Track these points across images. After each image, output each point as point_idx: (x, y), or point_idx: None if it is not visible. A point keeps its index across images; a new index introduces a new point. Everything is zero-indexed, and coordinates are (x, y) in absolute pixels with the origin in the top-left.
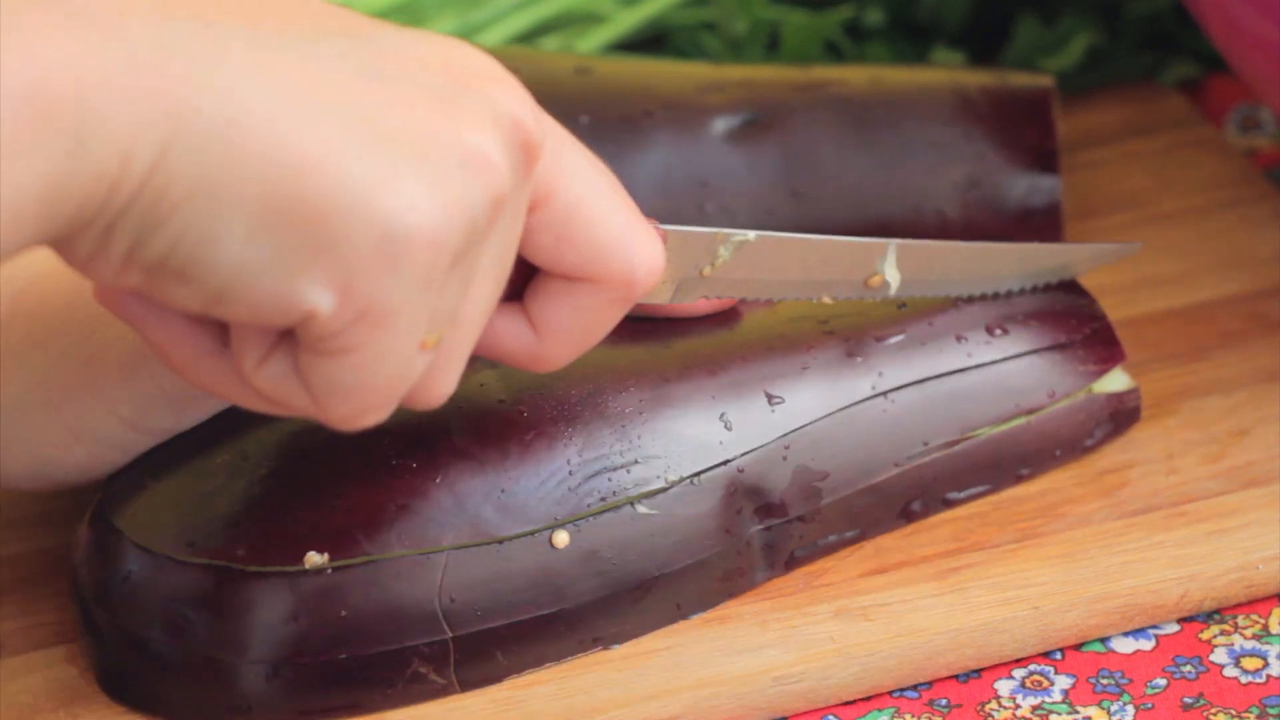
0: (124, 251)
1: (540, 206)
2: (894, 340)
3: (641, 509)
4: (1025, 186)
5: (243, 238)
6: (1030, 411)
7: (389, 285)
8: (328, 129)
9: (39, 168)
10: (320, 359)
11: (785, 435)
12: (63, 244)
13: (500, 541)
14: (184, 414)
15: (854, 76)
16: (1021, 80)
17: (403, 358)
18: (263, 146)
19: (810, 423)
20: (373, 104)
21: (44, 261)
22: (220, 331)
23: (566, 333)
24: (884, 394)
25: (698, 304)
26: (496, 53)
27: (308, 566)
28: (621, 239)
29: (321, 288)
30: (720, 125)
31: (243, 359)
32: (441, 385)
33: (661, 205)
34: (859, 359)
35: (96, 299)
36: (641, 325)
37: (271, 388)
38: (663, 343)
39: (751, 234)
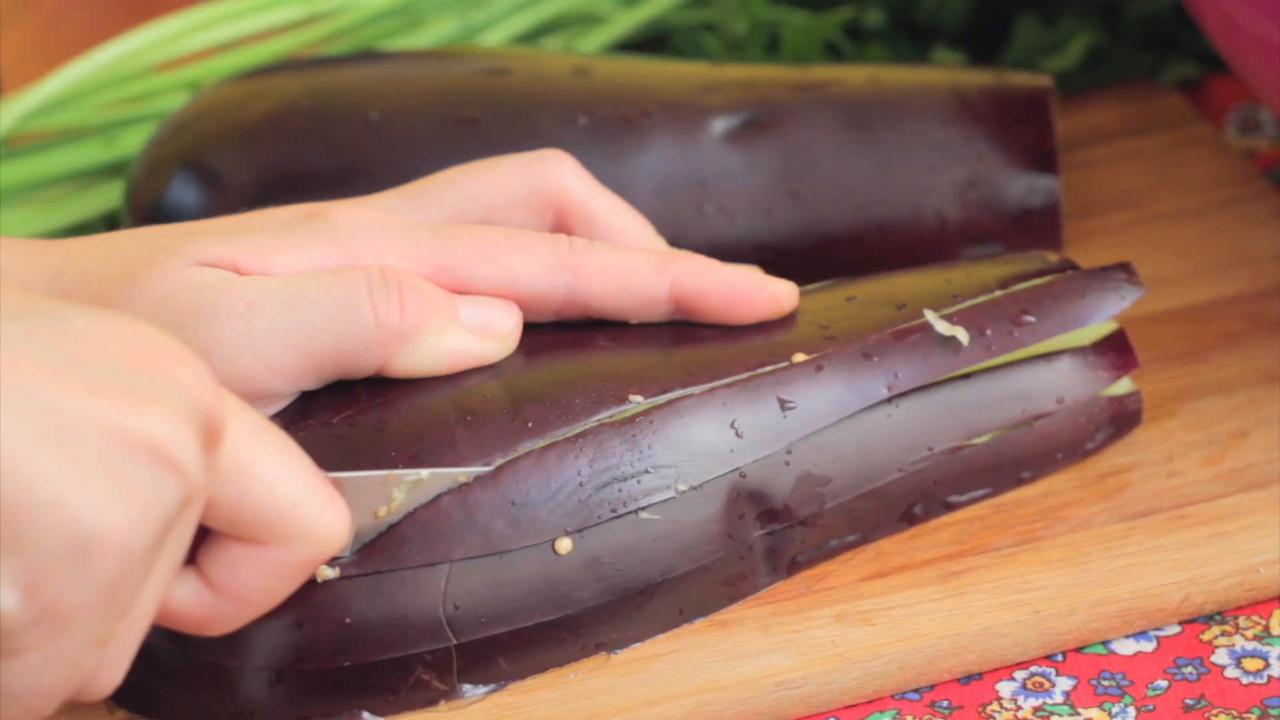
0: None
1: (217, 476)
2: (913, 338)
3: (645, 515)
4: (1024, 186)
5: None
6: (1037, 417)
7: (75, 586)
8: (17, 424)
9: None
10: None
11: (795, 442)
12: None
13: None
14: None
15: (853, 77)
16: (1020, 80)
17: (78, 657)
18: None
19: (821, 429)
20: (61, 396)
21: (91, 246)
22: None
23: (250, 593)
24: (894, 399)
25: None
26: (495, 52)
27: (319, 580)
28: (302, 499)
29: (8, 585)
30: (719, 126)
31: None
32: (111, 676)
33: (660, 206)
34: (875, 359)
35: None
36: (646, 334)
37: None
38: (666, 351)
39: (424, 472)
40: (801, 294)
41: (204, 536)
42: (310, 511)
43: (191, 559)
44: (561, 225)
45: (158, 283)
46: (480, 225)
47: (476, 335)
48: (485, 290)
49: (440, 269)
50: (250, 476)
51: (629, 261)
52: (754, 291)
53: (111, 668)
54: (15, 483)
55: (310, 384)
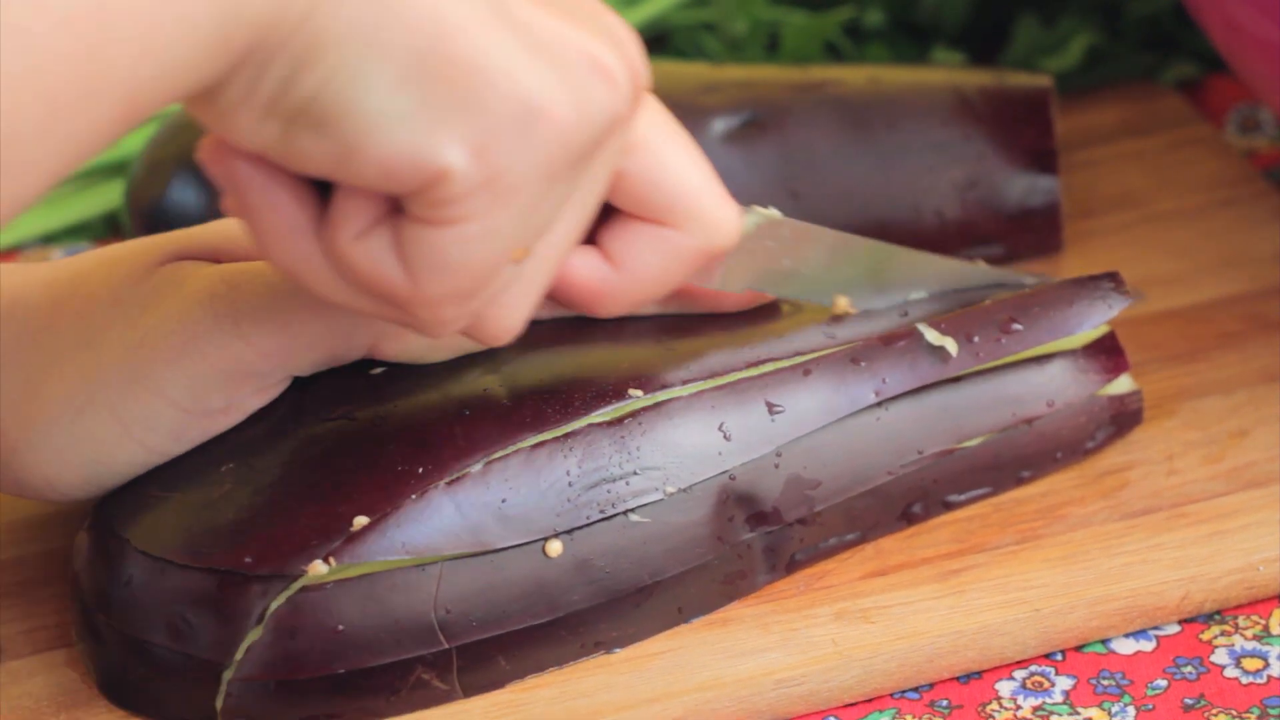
0: (271, 92)
1: (633, 151)
2: (901, 344)
3: (634, 517)
4: (1024, 187)
5: (389, 86)
6: (1027, 420)
7: (519, 157)
8: (482, 7)
9: None
10: (430, 229)
11: (783, 445)
12: (217, 88)
13: (495, 552)
14: (234, 392)
15: (852, 77)
16: (1020, 80)
17: (506, 243)
18: (422, 5)
19: (809, 433)
20: (526, 4)
21: (86, 261)
22: (319, 212)
23: (646, 271)
24: (882, 403)
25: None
26: None
27: (311, 574)
28: (705, 189)
29: (458, 146)
30: (719, 125)
31: (341, 231)
32: (514, 310)
33: None
34: (863, 364)
35: (202, 158)
36: (644, 328)
37: (366, 261)
38: (665, 346)
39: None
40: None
41: (608, 219)
42: (711, 201)
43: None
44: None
45: (144, 282)
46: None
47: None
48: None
49: None
50: (663, 156)
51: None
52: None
53: (518, 298)
54: (475, 50)
55: (302, 368)
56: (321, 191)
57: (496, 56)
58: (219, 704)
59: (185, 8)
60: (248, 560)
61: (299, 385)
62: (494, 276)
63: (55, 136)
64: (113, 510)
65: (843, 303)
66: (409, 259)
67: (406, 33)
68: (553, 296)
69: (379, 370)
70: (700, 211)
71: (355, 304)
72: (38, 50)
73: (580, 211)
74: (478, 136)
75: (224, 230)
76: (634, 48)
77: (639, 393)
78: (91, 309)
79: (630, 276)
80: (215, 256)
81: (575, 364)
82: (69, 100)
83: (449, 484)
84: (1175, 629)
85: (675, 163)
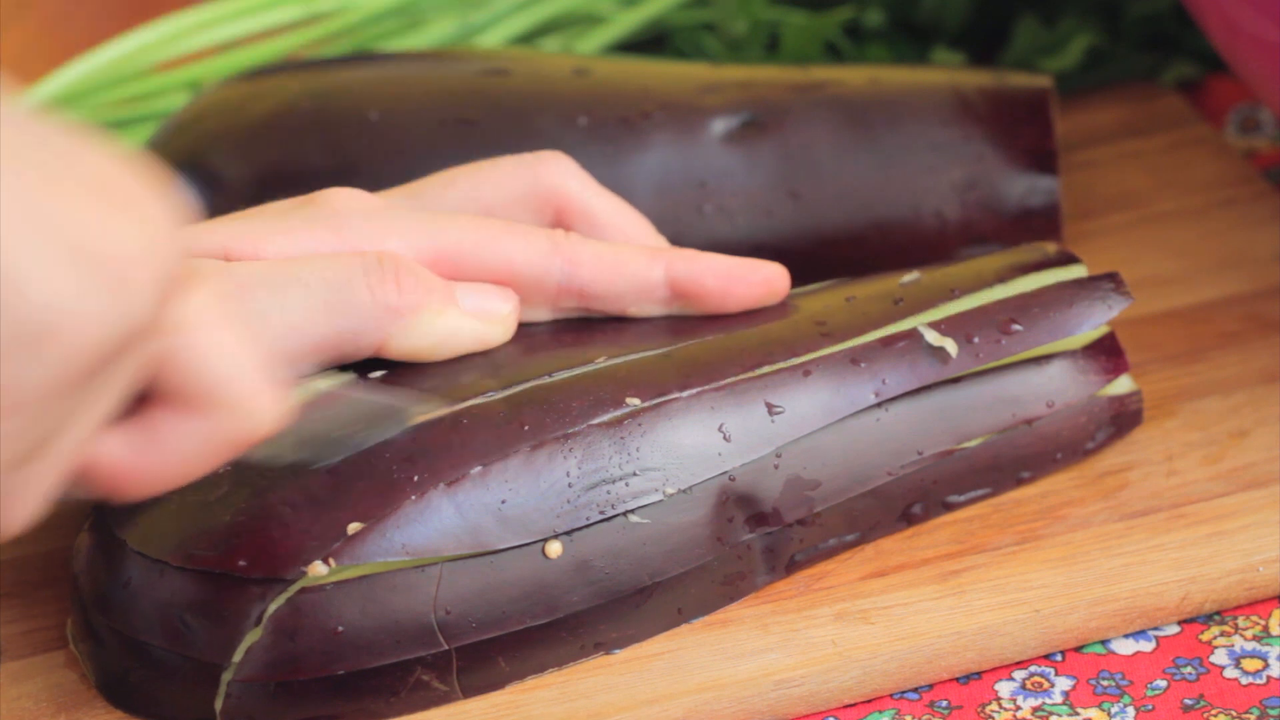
0: None
1: (174, 333)
2: (900, 345)
3: (634, 518)
4: (1024, 187)
5: None
6: (1027, 421)
7: (23, 375)
8: (9, 195)
9: None
10: None
11: (783, 446)
12: None
13: (494, 553)
14: None
15: (852, 77)
16: (1020, 81)
17: (4, 456)
18: None
19: (809, 433)
20: (47, 190)
21: None
22: None
23: (176, 457)
24: (882, 404)
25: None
26: (495, 53)
27: (311, 575)
28: (243, 378)
29: None
30: (719, 126)
31: None
32: (21, 507)
33: (660, 206)
34: (863, 364)
35: None
36: (643, 331)
37: None
38: (663, 350)
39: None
40: (802, 293)
41: (137, 403)
42: (248, 388)
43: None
44: (561, 225)
45: None
46: (477, 215)
47: (474, 318)
48: (481, 277)
49: (436, 255)
50: (198, 341)
51: (623, 249)
52: (748, 273)
53: (21, 500)
54: None
55: (306, 368)
56: None
57: (8, 267)
58: (218, 705)
59: None
60: (242, 563)
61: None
62: None
63: None
64: (112, 512)
65: None
66: None
67: None
68: (75, 479)
69: (377, 375)
70: (237, 400)
71: None
72: None
73: (95, 413)
74: None
75: (231, 228)
76: (173, 235)
77: (637, 401)
78: None
79: (159, 461)
80: (225, 255)
81: (573, 371)
82: None
83: (448, 485)
84: (1175, 630)
85: (210, 349)
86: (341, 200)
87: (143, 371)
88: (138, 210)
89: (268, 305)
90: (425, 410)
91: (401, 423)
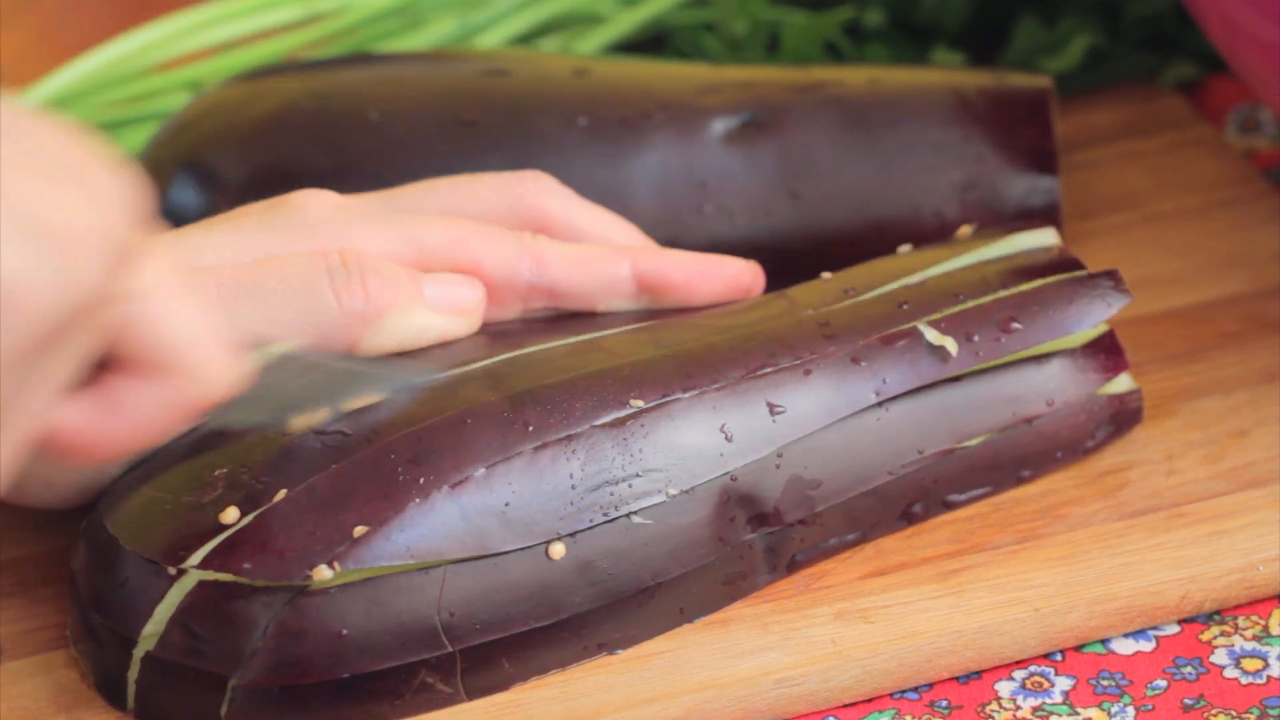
0: None
1: (130, 300)
2: (901, 344)
3: (637, 519)
4: (1024, 187)
5: None
6: (1027, 419)
7: None
8: None
9: None
10: None
11: (784, 446)
12: None
13: (498, 555)
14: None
15: (852, 77)
16: (1020, 81)
17: None
18: None
19: (810, 433)
20: None
21: None
22: None
23: (134, 422)
24: (883, 403)
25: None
26: (495, 53)
27: (315, 579)
28: (201, 342)
29: None
30: (719, 126)
31: None
32: None
33: (660, 206)
34: (863, 364)
35: None
36: (643, 333)
37: None
38: (665, 351)
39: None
40: (804, 286)
41: (97, 369)
42: (203, 353)
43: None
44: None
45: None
46: (446, 215)
47: (442, 312)
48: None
49: (405, 254)
50: (153, 304)
51: (589, 248)
52: (715, 268)
53: None
54: None
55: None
56: None
57: None
58: (223, 710)
59: None
60: (247, 567)
61: None
62: None
63: None
64: (111, 513)
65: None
66: None
67: None
68: (38, 447)
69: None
70: (187, 363)
71: None
72: None
73: (53, 381)
74: None
75: (198, 239)
76: (126, 206)
77: (640, 401)
78: None
79: (119, 426)
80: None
81: (575, 374)
82: None
83: (452, 487)
84: (1175, 629)
85: (166, 316)
86: (309, 202)
87: (100, 339)
88: (88, 183)
89: (235, 315)
90: (395, 371)
91: (366, 385)
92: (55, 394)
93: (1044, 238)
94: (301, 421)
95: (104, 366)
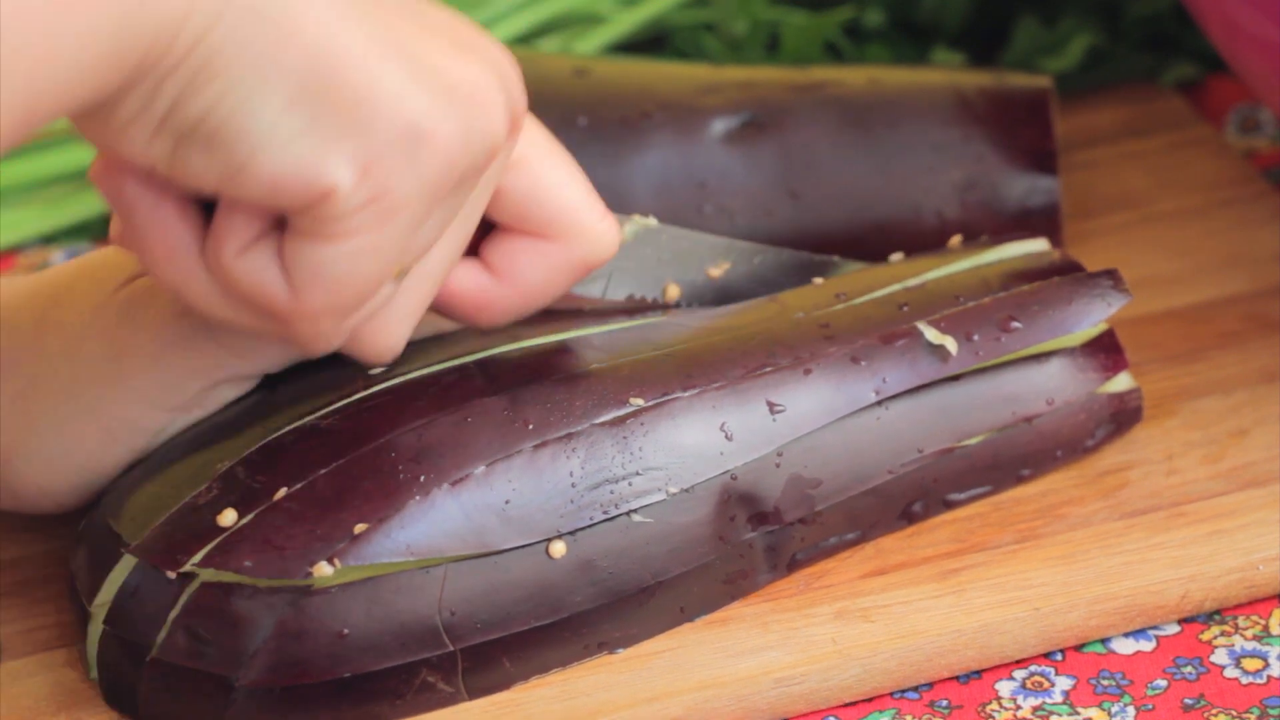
0: (164, 110)
1: (514, 169)
2: (900, 343)
3: (637, 518)
4: (1024, 187)
5: (279, 107)
6: (1027, 418)
7: (403, 177)
8: (371, 34)
9: (113, 3)
10: (314, 243)
11: (784, 444)
12: (111, 103)
13: (498, 553)
14: (211, 388)
15: (852, 77)
16: (1020, 81)
17: (388, 260)
18: (314, 30)
19: (810, 432)
20: (408, 30)
21: (66, 273)
22: (203, 230)
23: (528, 283)
24: (882, 402)
25: None
26: None
27: (316, 577)
28: (584, 204)
29: (345, 164)
30: (718, 126)
31: (225, 246)
32: (394, 327)
33: (660, 206)
34: (863, 363)
35: (92, 178)
36: (644, 332)
37: (249, 275)
38: (665, 349)
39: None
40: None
41: (491, 232)
42: (590, 215)
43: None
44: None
45: (119, 292)
46: None
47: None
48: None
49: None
50: (542, 173)
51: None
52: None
53: (394, 326)
54: (364, 75)
55: (276, 364)
56: (207, 211)
57: (384, 81)
58: (226, 711)
59: (83, 20)
60: (248, 564)
61: (295, 381)
62: (374, 292)
63: None
64: (110, 515)
65: (673, 290)
66: (291, 273)
67: (298, 56)
68: (436, 308)
69: (375, 389)
70: (579, 226)
71: (238, 319)
72: None
73: (461, 231)
74: (364, 156)
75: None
76: (514, 76)
77: (640, 400)
78: (72, 321)
79: (513, 289)
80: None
81: (574, 373)
82: None
83: (452, 485)
84: (1175, 629)
85: (554, 179)
86: None
87: (495, 197)
88: (483, 53)
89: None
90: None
91: (724, 254)
92: (459, 246)
93: (1035, 246)
94: (673, 290)
95: (494, 232)
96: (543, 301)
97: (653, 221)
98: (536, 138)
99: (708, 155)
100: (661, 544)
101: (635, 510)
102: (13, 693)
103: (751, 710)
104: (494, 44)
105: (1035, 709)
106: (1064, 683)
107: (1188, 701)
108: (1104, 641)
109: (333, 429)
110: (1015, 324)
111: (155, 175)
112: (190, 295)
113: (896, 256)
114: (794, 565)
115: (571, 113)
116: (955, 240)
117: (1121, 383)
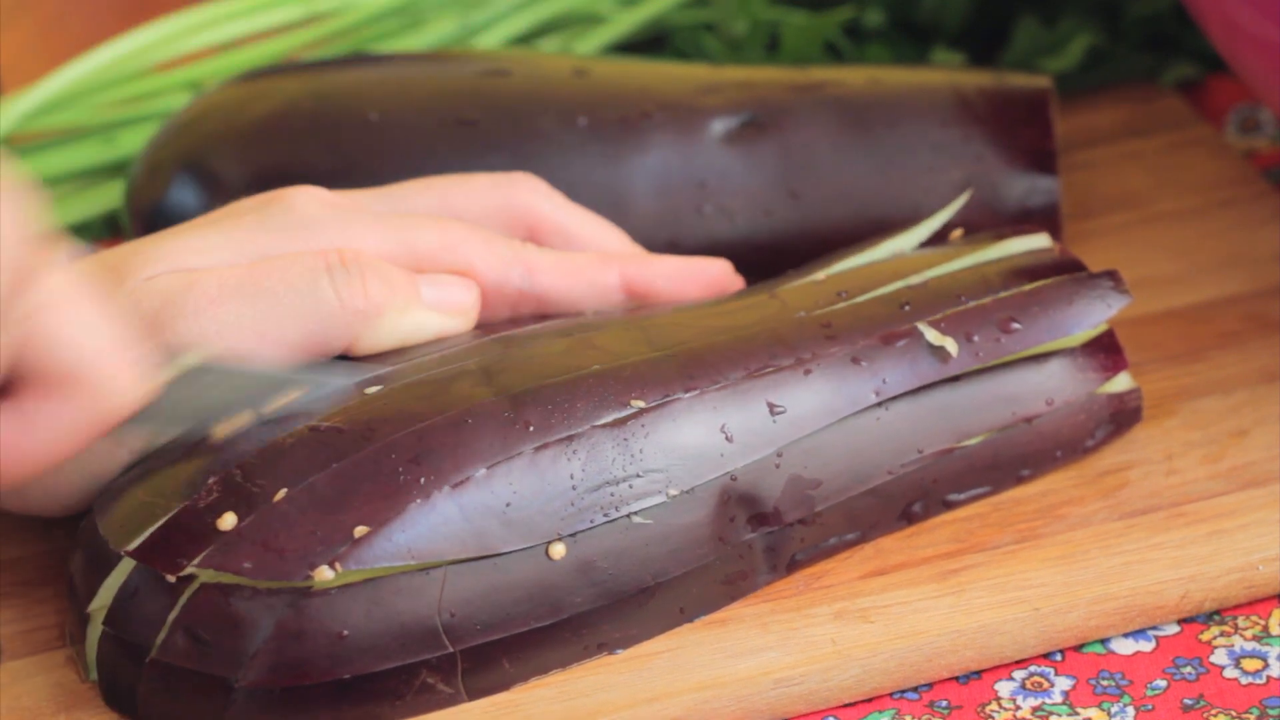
0: None
1: (32, 317)
2: (901, 344)
3: (637, 519)
4: (1023, 187)
5: None
6: (1027, 419)
7: None
8: None
9: None
10: None
11: (784, 445)
12: None
13: (498, 555)
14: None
15: (852, 77)
16: (1020, 81)
17: None
18: None
19: (810, 433)
20: None
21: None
22: None
23: (44, 440)
24: (882, 403)
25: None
26: (495, 54)
27: (317, 580)
28: (102, 356)
29: None
30: (718, 126)
31: None
32: None
33: (659, 206)
34: (863, 364)
35: None
36: (644, 333)
37: None
38: (665, 350)
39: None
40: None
41: (3, 393)
42: (108, 365)
43: None
44: (533, 240)
45: (123, 295)
46: (442, 217)
47: (438, 311)
48: None
49: (399, 255)
50: (55, 319)
51: (578, 256)
52: (697, 273)
53: None
54: None
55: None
56: None
57: None
58: (226, 712)
59: None
60: (247, 566)
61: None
62: None
63: None
64: (104, 515)
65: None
66: None
67: None
68: None
69: (373, 390)
70: (98, 377)
71: None
72: None
73: None
74: None
75: (188, 238)
76: (13, 223)
77: (640, 402)
78: None
79: (30, 444)
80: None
81: (575, 374)
82: None
83: (453, 487)
84: (1174, 629)
85: (74, 329)
86: (305, 201)
87: (4, 358)
88: None
89: (237, 315)
90: (315, 374)
91: (285, 389)
92: None
93: (1038, 242)
94: (223, 428)
95: (10, 386)
96: (65, 454)
97: (194, 359)
98: (61, 281)
99: (708, 155)
100: (661, 545)
101: (635, 512)
102: (13, 693)
103: (751, 711)
104: (4, 182)
105: (1035, 709)
106: (1063, 683)
107: (1187, 702)
108: (1104, 642)
109: (333, 431)
110: (1015, 325)
111: None
112: None
113: (889, 241)
114: (793, 566)
115: (571, 113)
116: (957, 234)
117: (1121, 383)
